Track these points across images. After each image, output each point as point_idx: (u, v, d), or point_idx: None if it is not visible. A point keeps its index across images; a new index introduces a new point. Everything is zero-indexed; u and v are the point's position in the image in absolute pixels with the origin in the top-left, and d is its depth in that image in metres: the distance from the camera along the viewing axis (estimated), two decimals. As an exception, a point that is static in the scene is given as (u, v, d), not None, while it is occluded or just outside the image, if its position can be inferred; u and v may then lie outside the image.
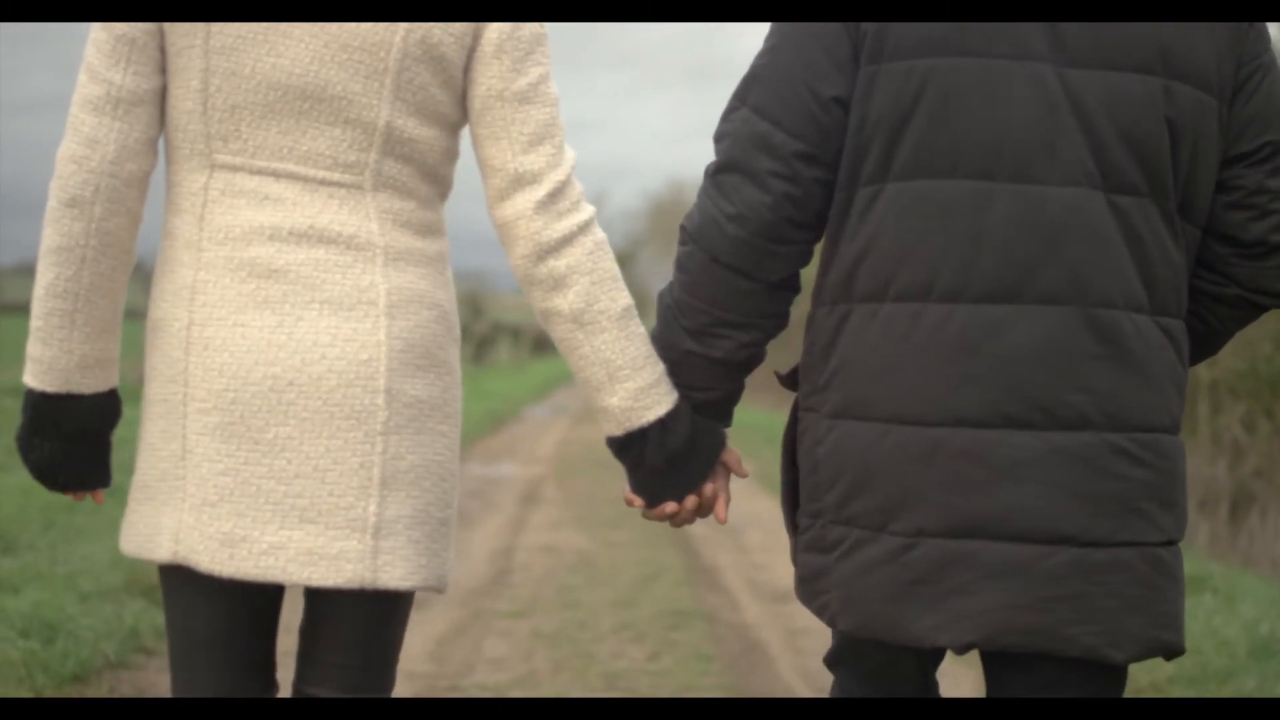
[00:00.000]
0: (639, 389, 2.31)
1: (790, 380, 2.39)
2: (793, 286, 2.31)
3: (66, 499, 2.53)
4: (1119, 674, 2.26)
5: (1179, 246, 2.24)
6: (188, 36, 2.21)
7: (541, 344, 54.23)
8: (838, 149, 2.22)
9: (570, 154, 2.30)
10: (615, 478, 11.98)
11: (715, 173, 2.26)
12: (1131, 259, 2.19)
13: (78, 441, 2.31)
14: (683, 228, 2.31)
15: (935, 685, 2.44)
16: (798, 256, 2.28)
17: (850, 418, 2.23)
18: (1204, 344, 2.39)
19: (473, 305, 51.02)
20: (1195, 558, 9.07)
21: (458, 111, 2.31)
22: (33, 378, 2.27)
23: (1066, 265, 2.16)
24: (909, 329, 2.18)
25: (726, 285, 2.26)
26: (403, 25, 2.22)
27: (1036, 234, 2.15)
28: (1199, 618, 5.98)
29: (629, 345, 2.30)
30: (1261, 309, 2.35)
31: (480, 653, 5.77)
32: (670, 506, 2.38)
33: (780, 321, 2.33)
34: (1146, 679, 5.09)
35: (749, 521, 9.73)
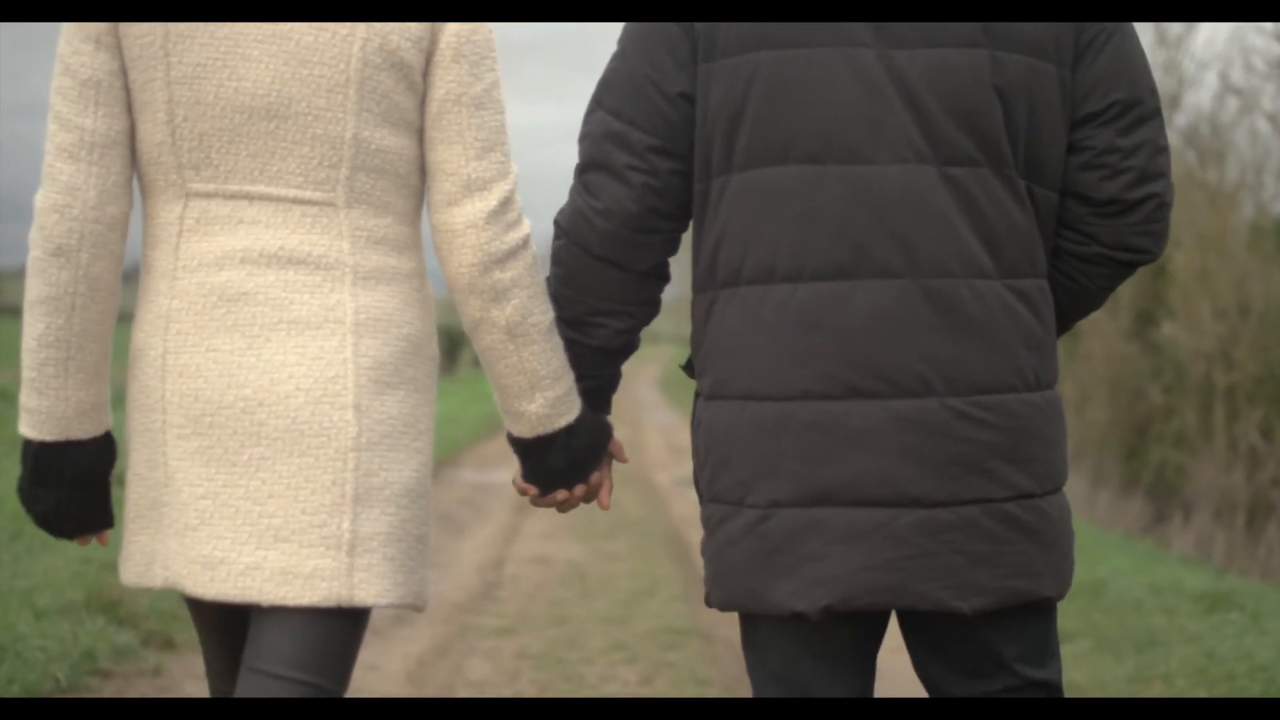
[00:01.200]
0: (555, 398, 2.38)
1: (689, 369, 2.46)
2: (662, 275, 2.43)
3: None
4: (1022, 620, 2.30)
5: (1025, 210, 2.29)
6: (148, 70, 2.23)
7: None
8: (690, 142, 2.32)
9: (514, 166, 2.35)
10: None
11: (581, 171, 2.36)
12: (970, 227, 2.25)
13: (80, 487, 2.32)
14: (556, 222, 2.40)
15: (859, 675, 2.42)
16: (664, 245, 2.39)
17: (718, 398, 2.33)
18: (1080, 303, 2.44)
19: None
20: (1212, 571, 8.77)
21: (422, 117, 2.32)
22: (31, 428, 2.28)
23: (897, 239, 2.24)
24: (757, 309, 2.28)
25: (599, 275, 2.37)
26: (360, 33, 2.23)
27: (866, 211, 2.24)
28: (1228, 638, 5.66)
29: (553, 357, 2.37)
30: (1128, 265, 2.39)
31: (461, 674, 5.43)
32: (560, 494, 2.49)
33: (652, 309, 2.45)
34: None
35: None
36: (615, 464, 2.55)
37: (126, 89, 2.26)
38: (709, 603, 2.36)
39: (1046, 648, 2.37)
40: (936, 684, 2.40)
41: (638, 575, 7.72)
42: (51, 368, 2.25)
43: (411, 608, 2.31)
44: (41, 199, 2.23)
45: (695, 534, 9.33)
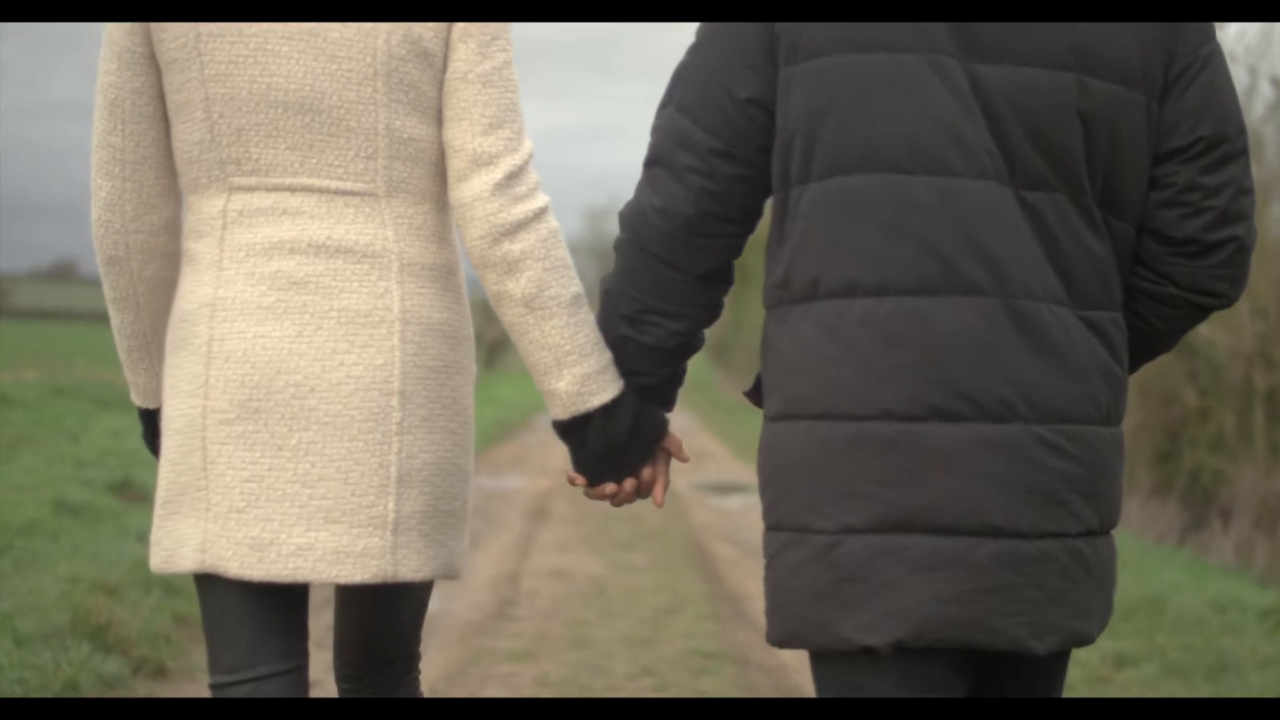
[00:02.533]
0: (585, 375, 2.36)
1: (755, 395, 2.36)
2: (724, 279, 2.34)
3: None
4: (1052, 670, 2.25)
5: (1101, 240, 2.21)
6: (184, 71, 2.29)
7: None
8: (757, 147, 2.24)
9: (528, 143, 2.36)
10: None
11: (646, 165, 2.30)
12: (1044, 254, 2.17)
13: None
14: (619, 216, 2.34)
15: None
16: (725, 250, 2.30)
17: (785, 418, 2.22)
18: (1151, 344, 2.35)
19: (484, 311, 50.20)
20: (1253, 583, 8.36)
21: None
22: (139, 398, 2.52)
23: (984, 256, 2.15)
24: (836, 325, 2.17)
25: (655, 274, 2.30)
26: (384, 27, 2.28)
27: (953, 225, 2.15)
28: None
29: (577, 332, 2.35)
30: (1202, 309, 2.30)
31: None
32: (610, 487, 2.46)
33: (712, 312, 2.36)
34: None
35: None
36: (571, 481, 2.48)
37: (155, 100, 2.34)
38: (770, 639, 2.23)
39: (1062, 684, 2.32)
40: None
41: (661, 590, 7.29)
42: (136, 354, 2.46)
43: (445, 577, 2.40)
44: (92, 213, 2.35)
45: (719, 545, 8.94)
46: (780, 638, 2.20)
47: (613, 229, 2.39)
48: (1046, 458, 2.15)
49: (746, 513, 10.85)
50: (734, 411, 19.34)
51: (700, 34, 2.28)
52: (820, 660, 2.20)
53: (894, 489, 2.13)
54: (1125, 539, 9.60)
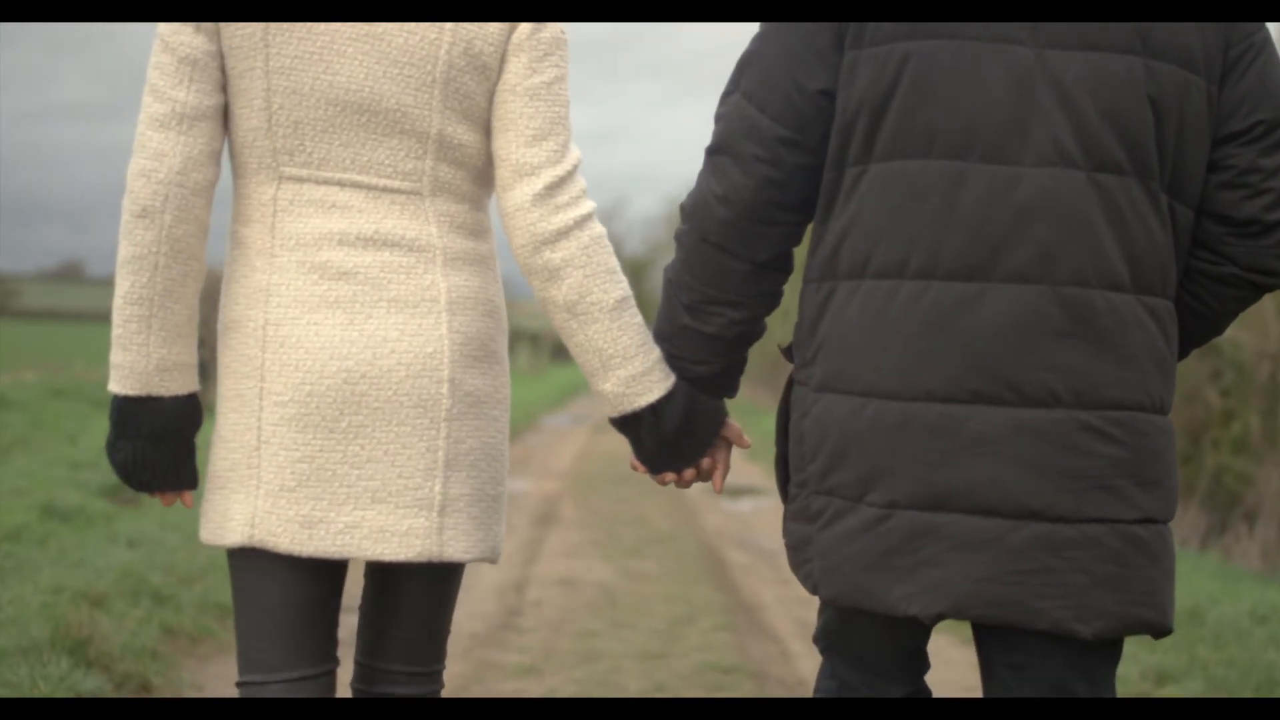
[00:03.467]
0: (630, 376, 2.43)
1: (790, 353, 2.41)
2: (783, 267, 2.36)
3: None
4: (1102, 656, 2.27)
5: (1165, 226, 2.25)
6: (248, 59, 2.35)
7: (561, 350, 53.21)
8: (822, 135, 2.27)
9: (575, 152, 2.41)
10: (637, 496, 10.73)
11: (710, 153, 2.32)
12: (1114, 237, 2.20)
13: (159, 441, 2.41)
14: (681, 207, 2.37)
15: (923, 663, 2.47)
16: (784, 238, 2.33)
17: (832, 391, 2.27)
18: (1206, 325, 2.38)
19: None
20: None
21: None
22: (115, 383, 2.40)
23: (1035, 244, 2.18)
24: (885, 305, 2.22)
25: (715, 264, 2.33)
26: (446, 38, 2.37)
27: (1005, 213, 2.18)
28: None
29: (621, 335, 2.41)
30: (1260, 289, 2.33)
31: (480, 725, 4.69)
32: (670, 476, 2.52)
33: (771, 301, 2.39)
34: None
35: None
36: (635, 479, 2.52)
37: (223, 71, 2.37)
38: (817, 593, 2.32)
39: (1113, 677, 2.32)
40: (1004, 688, 2.32)
41: (673, 600, 6.99)
42: (135, 324, 2.36)
43: (488, 560, 2.48)
44: (131, 166, 2.33)
45: (732, 551, 8.59)
46: (834, 595, 2.30)
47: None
48: (1092, 443, 2.17)
49: (759, 516, 10.55)
50: (746, 412, 19.07)
51: (766, 24, 2.30)
52: (855, 614, 2.35)
53: (934, 470, 2.19)
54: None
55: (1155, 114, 2.22)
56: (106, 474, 9.43)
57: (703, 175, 2.33)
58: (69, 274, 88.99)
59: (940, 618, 2.21)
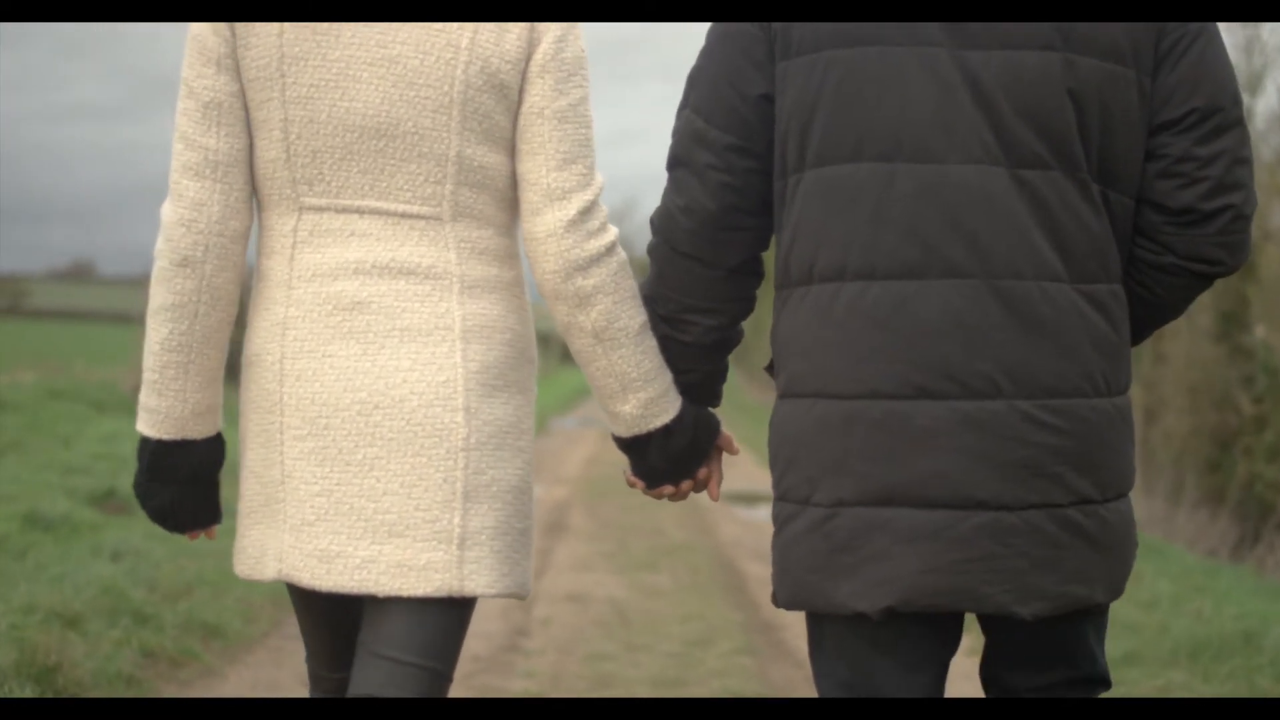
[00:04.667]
0: (649, 399, 2.46)
1: (771, 371, 2.44)
2: (754, 270, 2.42)
3: None
4: (1076, 631, 2.34)
5: (1100, 214, 2.28)
6: (265, 90, 2.36)
7: (570, 353, 52.91)
8: (768, 140, 2.34)
9: (600, 177, 2.42)
10: (648, 503, 10.20)
11: (669, 168, 2.39)
12: (1041, 230, 2.24)
13: (193, 484, 2.46)
14: (650, 221, 2.43)
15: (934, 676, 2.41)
16: (752, 242, 2.39)
17: (789, 396, 2.34)
18: (1156, 313, 2.41)
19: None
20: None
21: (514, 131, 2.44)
22: (150, 427, 2.44)
23: (968, 239, 2.23)
24: (829, 307, 2.27)
25: (688, 273, 2.39)
26: (462, 58, 2.36)
27: (936, 211, 2.23)
28: None
29: (643, 359, 2.44)
30: (1203, 277, 2.35)
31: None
32: (667, 489, 2.57)
33: (745, 306, 2.44)
34: None
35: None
36: (630, 484, 2.60)
37: (246, 109, 2.38)
38: (775, 601, 2.37)
39: (1099, 646, 2.40)
40: (998, 679, 2.41)
41: (689, 619, 6.60)
42: (173, 370, 2.39)
43: (516, 596, 2.44)
44: (169, 213, 2.36)
45: (749, 564, 8.16)
46: (786, 600, 2.34)
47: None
48: (1032, 432, 2.22)
49: (776, 526, 10.17)
50: (759, 416, 18.66)
51: (708, 38, 2.37)
52: (813, 620, 2.37)
53: (880, 465, 2.24)
54: (1178, 554, 8.92)
55: (1076, 107, 2.24)
56: (98, 480, 9.07)
57: (666, 190, 2.39)
58: (79, 273, 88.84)
59: (889, 612, 2.24)
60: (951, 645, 2.37)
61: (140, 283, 18.02)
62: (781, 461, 2.33)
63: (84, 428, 12.84)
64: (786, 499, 2.32)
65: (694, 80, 2.38)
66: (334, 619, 2.48)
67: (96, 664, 4.72)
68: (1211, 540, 11.23)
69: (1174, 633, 5.88)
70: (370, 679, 2.36)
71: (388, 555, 2.33)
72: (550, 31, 2.39)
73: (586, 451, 16.34)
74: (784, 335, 2.34)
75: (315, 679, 2.57)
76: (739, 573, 7.96)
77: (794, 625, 6.52)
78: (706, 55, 2.37)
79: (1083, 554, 2.26)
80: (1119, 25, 2.24)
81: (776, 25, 2.30)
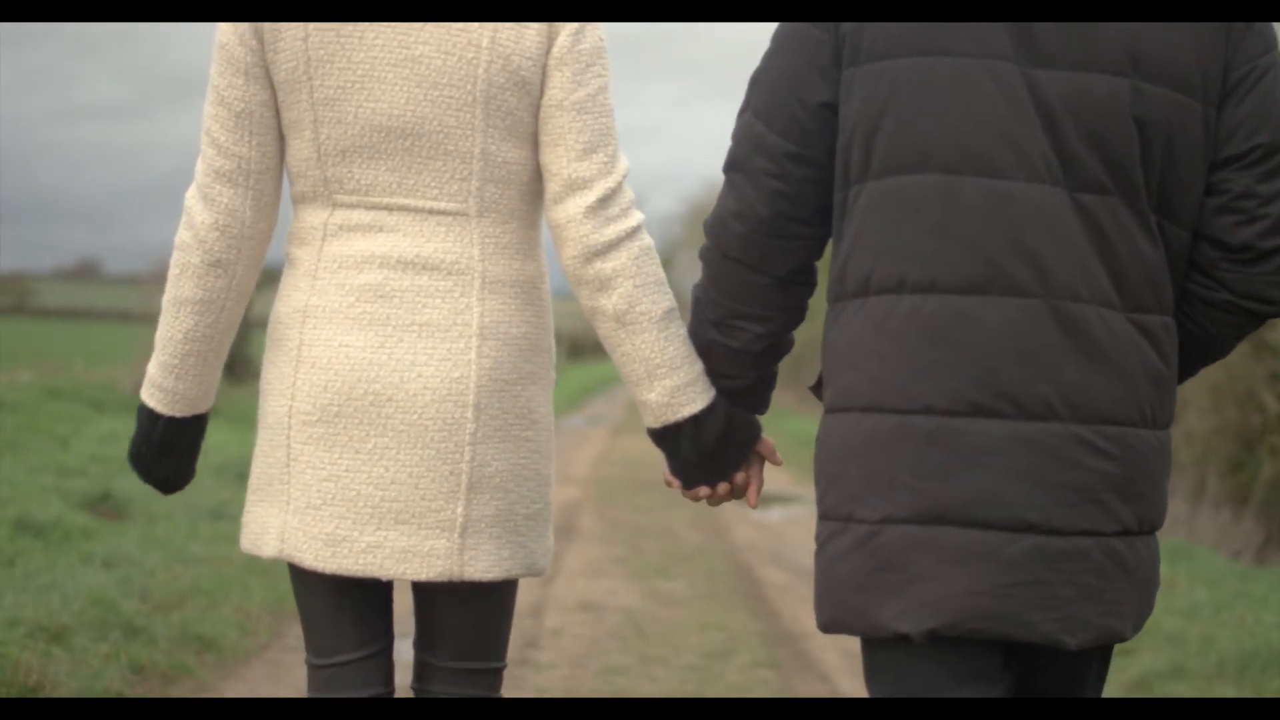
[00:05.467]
0: (675, 387, 2.46)
1: (817, 390, 2.42)
2: (806, 280, 2.40)
3: None
4: (1090, 664, 2.32)
5: (1155, 245, 2.26)
6: (294, 93, 2.42)
7: (578, 350, 52.69)
8: (827, 149, 2.31)
9: (624, 163, 2.46)
10: (660, 505, 9.90)
11: (726, 171, 2.37)
12: (1097, 256, 2.22)
13: (191, 455, 2.60)
14: (704, 225, 2.41)
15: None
16: (803, 251, 2.36)
17: (837, 410, 2.30)
18: (1205, 349, 2.38)
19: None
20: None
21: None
22: (164, 406, 2.53)
23: (1031, 258, 2.20)
24: (884, 319, 2.24)
25: (738, 279, 2.37)
26: (484, 57, 2.40)
27: (1002, 226, 2.20)
28: None
29: (668, 345, 2.45)
30: (1257, 316, 2.32)
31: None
32: (704, 490, 2.53)
33: (796, 315, 2.42)
34: None
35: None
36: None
37: (277, 114, 2.44)
38: (818, 625, 2.33)
39: (1102, 681, 2.38)
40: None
41: (707, 628, 6.31)
42: (194, 360, 2.50)
43: (519, 576, 2.49)
44: (203, 217, 2.43)
45: (767, 569, 7.82)
46: (826, 623, 2.29)
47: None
48: (1085, 457, 2.19)
49: (792, 527, 9.88)
50: (773, 415, 18.42)
51: (773, 42, 2.34)
52: (867, 644, 2.30)
53: (931, 481, 2.19)
54: (1206, 557, 8.64)
55: (1141, 135, 2.22)
56: (93, 483, 8.79)
57: (721, 194, 2.38)
58: (86, 272, 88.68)
59: (933, 634, 2.19)
60: (1008, 671, 2.31)
61: (145, 281, 17.70)
62: (825, 478, 2.29)
63: (82, 428, 12.56)
64: (830, 517, 2.27)
65: (756, 83, 2.35)
66: (333, 600, 2.50)
67: (82, 681, 4.45)
68: (1235, 542, 10.96)
69: (1219, 644, 5.60)
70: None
71: (393, 541, 2.40)
72: (568, 25, 2.43)
73: (595, 450, 16.05)
74: (836, 347, 2.30)
75: (310, 672, 2.56)
76: (756, 579, 7.68)
77: (817, 636, 6.24)
78: (770, 58, 2.34)
79: (1121, 585, 2.24)
80: (1189, 54, 2.22)
81: (845, 30, 2.27)
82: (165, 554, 6.69)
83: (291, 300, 2.46)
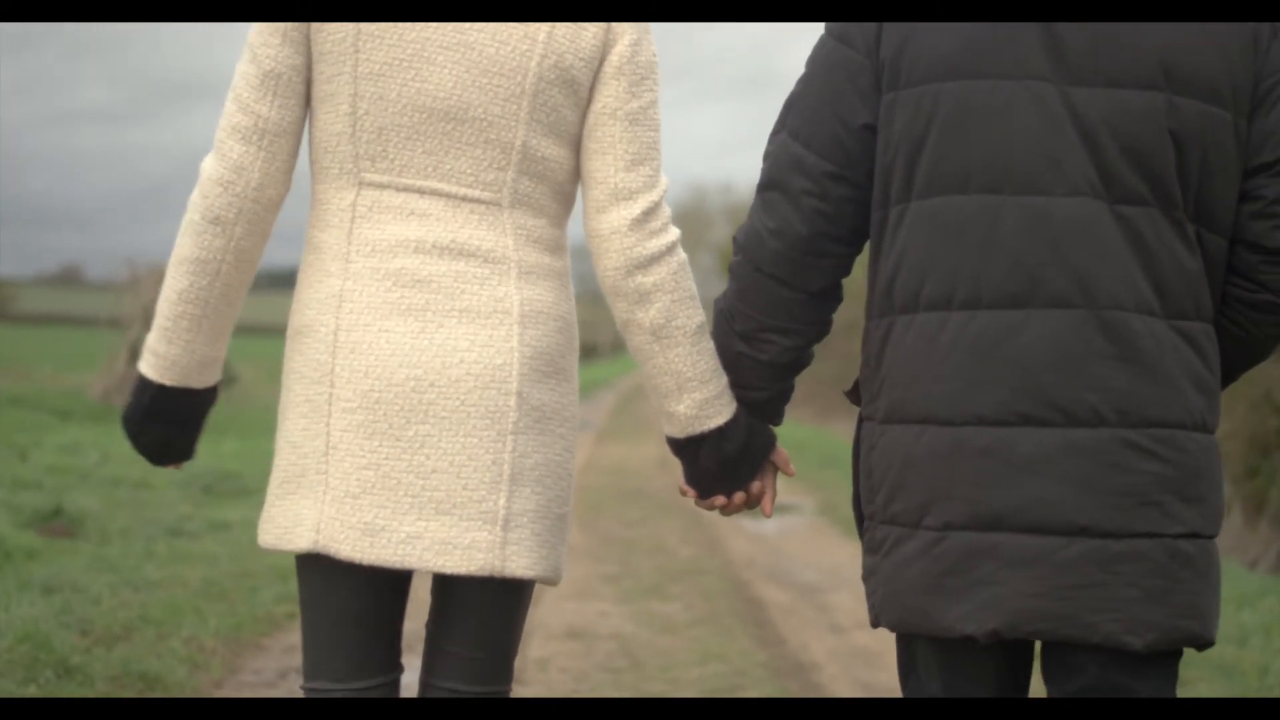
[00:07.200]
0: (704, 400, 2.50)
1: (855, 395, 2.51)
2: (834, 296, 2.49)
3: None
4: (1158, 667, 2.32)
5: (1194, 253, 2.33)
6: (337, 65, 2.40)
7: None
8: (867, 169, 2.40)
9: (665, 179, 2.49)
10: (650, 516, 9.11)
11: (760, 189, 2.45)
12: (1139, 265, 2.29)
13: (185, 427, 2.55)
14: (735, 239, 2.48)
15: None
16: (836, 268, 2.46)
17: (894, 422, 2.37)
18: (1248, 350, 2.44)
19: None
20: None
21: (582, 128, 2.47)
22: (154, 371, 2.51)
23: (1073, 270, 2.28)
24: (935, 336, 2.33)
25: (770, 293, 2.45)
26: (538, 50, 2.40)
27: (1042, 242, 2.28)
28: None
29: (699, 360, 2.49)
30: None
31: None
32: (719, 500, 2.60)
33: (822, 328, 2.52)
34: None
35: (833, 581, 7.44)
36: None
37: (307, 83, 2.43)
38: (876, 624, 2.39)
39: (1173, 690, 2.37)
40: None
41: (707, 658, 5.76)
42: (186, 322, 2.46)
43: (549, 582, 2.46)
44: (209, 169, 2.41)
45: (767, 588, 7.10)
46: (892, 623, 2.37)
47: None
48: (1136, 461, 2.25)
49: (789, 540, 9.34)
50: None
51: (810, 64, 2.43)
52: (910, 642, 2.40)
53: (986, 490, 2.28)
54: (1235, 573, 8.14)
55: (1177, 147, 2.29)
56: (46, 497, 8.24)
57: (754, 210, 2.43)
58: (68, 278, 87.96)
59: (995, 635, 2.27)
60: (1026, 670, 2.40)
61: (121, 287, 17.14)
62: (889, 485, 2.36)
63: (43, 437, 12.01)
64: (895, 522, 2.35)
65: (792, 105, 2.42)
66: (361, 607, 2.43)
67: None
68: (1251, 549, 10.50)
69: (1275, 673, 5.08)
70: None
71: (433, 532, 2.36)
72: (626, 34, 2.44)
73: (581, 457, 15.48)
74: (890, 362, 2.37)
75: (313, 693, 2.45)
76: (757, 600, 7.14)
77: (827, 664, 5.70)
78: (807, 81, 2.42)
79: (1195, 586, 2.27)
80: (1219, 67, 2.30)
81: (885, 55, 2.35)
82: (114, 578, 6.13)
83: (324, 286, 2.41)
